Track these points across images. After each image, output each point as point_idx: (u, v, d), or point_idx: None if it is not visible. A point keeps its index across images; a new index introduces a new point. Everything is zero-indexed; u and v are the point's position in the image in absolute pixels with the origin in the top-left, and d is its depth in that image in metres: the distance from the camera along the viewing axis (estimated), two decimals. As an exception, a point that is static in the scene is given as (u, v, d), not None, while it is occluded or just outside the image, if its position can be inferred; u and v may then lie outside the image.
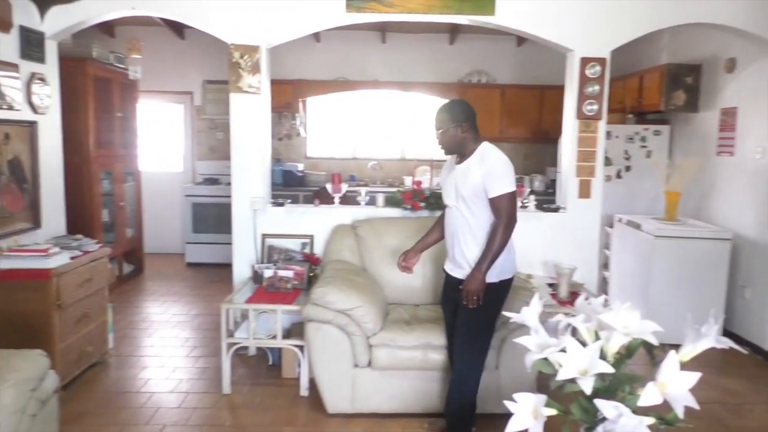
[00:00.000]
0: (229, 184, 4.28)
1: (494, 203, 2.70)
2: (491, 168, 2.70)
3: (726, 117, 4.80)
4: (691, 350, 1.53)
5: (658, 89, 5.29)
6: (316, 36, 6.91)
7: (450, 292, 2.91)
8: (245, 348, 4.04)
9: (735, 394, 3.72)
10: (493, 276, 2.75)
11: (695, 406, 1.34)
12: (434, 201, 4.11)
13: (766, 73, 4.35)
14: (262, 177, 4.14)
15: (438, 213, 4.05)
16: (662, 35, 5.63)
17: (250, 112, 4.08)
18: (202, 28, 4.05)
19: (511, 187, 2.71)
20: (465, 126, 2.80)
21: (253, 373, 3.84)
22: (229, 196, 4.19)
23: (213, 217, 6.77)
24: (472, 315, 2.78)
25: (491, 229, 2.73)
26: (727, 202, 4.76)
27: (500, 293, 2.82)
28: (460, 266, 2.84)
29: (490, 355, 3.14)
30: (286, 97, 6.79)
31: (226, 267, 4.60)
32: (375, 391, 3.21)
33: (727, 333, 4.64)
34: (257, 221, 4.12)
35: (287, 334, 3.69)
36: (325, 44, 7.04)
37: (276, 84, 4.92)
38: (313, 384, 3.37)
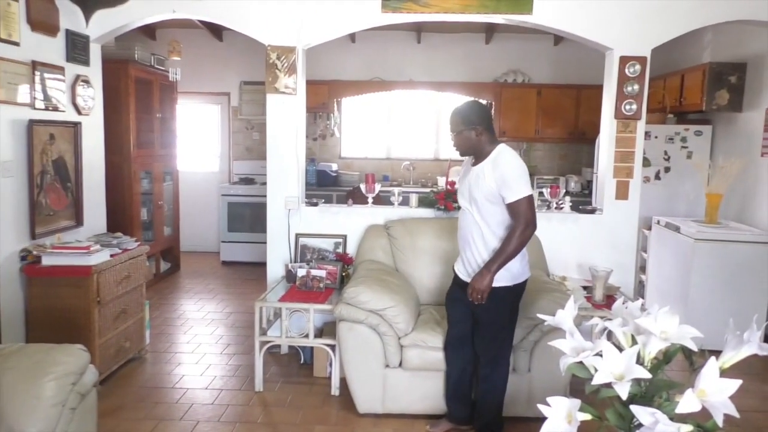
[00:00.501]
0: (264, 183, 4.33)
1: (512, 208, 2.70)
2: (504, 173, 2.68)
3: (772, 117, 4.65)
4: (732, 357, 1.49)
5: (700, 88, 5.15)
6: (352, 36, 6.95)
7: (458, 293, 2.90)
8: (278, 346, 4.08)
9: (779, 404, 3.59)
10: (508, 280, 2.78)
11: (735, 414, 1.30)
12: None
13: (815, 71, 4.20)
14: (296, 177, 4.17)
15: None
16: (705, 33, 5.48)
17: (285, 113, 4.12)
18: (239, 29, 4.11)
19: (527, 191, 2.69)
20: (479, 129, 2.80)
21: (285, 371, 3.87)
22: (264, 196, 4.24)
23: (248, 217, 6.86)
24: (491, 322, 2.84)
25: (508, 232, 2.72)
26: (773, 205, 4.61)
27: (515, 297, 2.86)
28: (470, 269, 2.85)
29: (522, 358, 3.13)
30: (322, 98, 6.84)
31: (261, 266, 4.66)
32: (406, 391, 3.21)
33: (771, 340, 4.50)
34: (291, 221, 4.16)
35: (319, 333, 3.71)
36: (361, 44, 7.07)
37: (312, 84, 4.96)
38: (344, 383, 3.39)
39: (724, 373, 1.45)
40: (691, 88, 5.33)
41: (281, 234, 4.17)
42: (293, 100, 4.10)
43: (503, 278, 2.75)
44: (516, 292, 2.83)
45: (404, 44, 7.10)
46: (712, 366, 1.35)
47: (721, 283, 4.27)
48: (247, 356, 4.05)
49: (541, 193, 4.28)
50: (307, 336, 3.50)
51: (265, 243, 4.23)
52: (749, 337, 1.45)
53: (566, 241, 4.10)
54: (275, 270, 4.20)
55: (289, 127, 4.13)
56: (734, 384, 1.34)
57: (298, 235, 4.16)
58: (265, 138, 4.19)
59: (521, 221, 2.68)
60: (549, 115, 6.80)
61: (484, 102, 2.61)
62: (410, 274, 3.72)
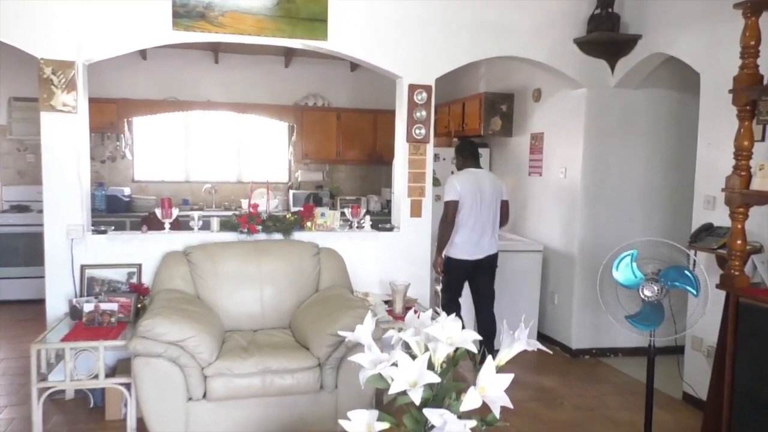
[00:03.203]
0: (41, 211, 3.85)
1: None
2: None
3: (535, 141, 5.36)
4: (507, 354, 1.67)
5: (477, 115, 5.76)
6: (143, 53, 6.55)
7: None
8: (61, 392, 3.62)
9: (549, 391, 4.10)
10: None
11: (509, 405, 1.45)
12: (272, 224, 4.06)
13: (564, 102, 4.94)
14: (80, 203, 3.78)
15: (275, 236, 4.05)
16: (480, 66, 6.15)
17: (65, 133, 3.72)
18: (6, 40, 3.63)
19: (444, 198, 4.25)
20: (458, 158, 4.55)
21: (72, 418, 3.46)
22: (43, 225, 3.79)
23: (24, 249, 6.05)
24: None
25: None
26: (538, 218, 5.29)
27: (448, 265, 4.32)
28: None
29: (329, 375, 3.17)
30: (110, 117, 6.34)
31: (40, 303, 4.13)
32: (212, 424, 3.04)
33: (541, 335, 5.13)
34: (75, 251, 3.75)
35: (112, 372, 3.39)
36: (153, 62, 6.70)
37: (97, 102, 4.59)
38: (142, 424, 3.11)
39: (504, 369, 1.62)
40: (471, 115, 5.94)
41: (63, 266, 3.74)
42: (73, 119, 3.73)
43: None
44: (450, 263, 4.31)
45: (201, 64, 6.88)
46: (489, 364, 1.50)
47: (500, 288, 4.68)
48: (23, 407, 3.54)
49: (343, 213, 4.40)
50: (96, 377, 3.17)
51: (44, 277, 3.77)
52: (519, 335, 1.64)
53: (368, 258, 4.25)
54: (57, 307, 3.74)
55: (69, 148, 3.73)
56: (507, 378, 1.50)
57: (84, 267, 3.76)
58: (41, 160, 3.75)
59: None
60: (349, 138, 7.05)
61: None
62: (213, 301, 3.58)
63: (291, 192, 7.08)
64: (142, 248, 3.88)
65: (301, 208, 4.37)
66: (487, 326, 4.34)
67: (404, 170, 4.38)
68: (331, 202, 6.96)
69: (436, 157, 5.27)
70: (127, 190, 6.62)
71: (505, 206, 4.38)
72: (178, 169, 7.14)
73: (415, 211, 4.40)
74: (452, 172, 4.87)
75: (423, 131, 4.36)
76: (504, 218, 4.40)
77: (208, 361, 3.02)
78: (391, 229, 4.41)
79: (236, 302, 3.61)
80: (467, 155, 4.43)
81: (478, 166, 4.42)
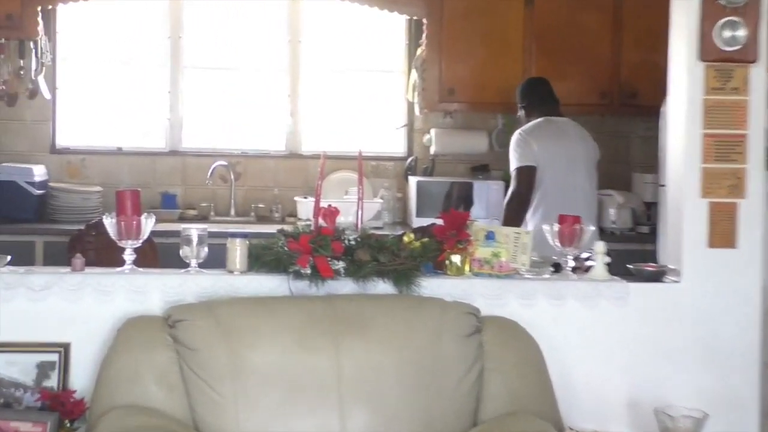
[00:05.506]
0: None
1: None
2: None
3: None
4: None
5: None
6: None
7: None
8: None
9: None
10: None
11: None
12: (369, 258, 4.05)
13: None
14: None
15: (376, 285, 4.19)
16: None
17: None
18: None
19: (515, 163, 5.86)
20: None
21: None
22: None
23: None
24: None
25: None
26: None
27: None
28: None
29: None
30: (6, 4, 6.62)
31: None
32: None
33: None
34: None
35: None
36: None
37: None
38: None
39: None
40: None
41: None
42: None
43: None
44: None
45: None
46: None
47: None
48: None
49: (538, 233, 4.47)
50: None
51: None
52: None
53: (600, 347, 4.26)
54: None
55: None
56: None
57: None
58: None
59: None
60: (553, 54, 7.32)
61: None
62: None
63: (413, 180, 7.38)
64: (72, 308, 3.96)
65: (438, 220, 4.42)
66: None
67: (693, 130, 4.32)
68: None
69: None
70: (38, 171, 7.01)
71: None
72: (156, 126, 7.55)
73: (722, 231, 4.26)
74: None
75: (742, 34, 4.20)
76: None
77: None
78: (658, 277, 4.34)
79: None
80: (538, 97, 6.24)
81: (558, 113, 6.17)
